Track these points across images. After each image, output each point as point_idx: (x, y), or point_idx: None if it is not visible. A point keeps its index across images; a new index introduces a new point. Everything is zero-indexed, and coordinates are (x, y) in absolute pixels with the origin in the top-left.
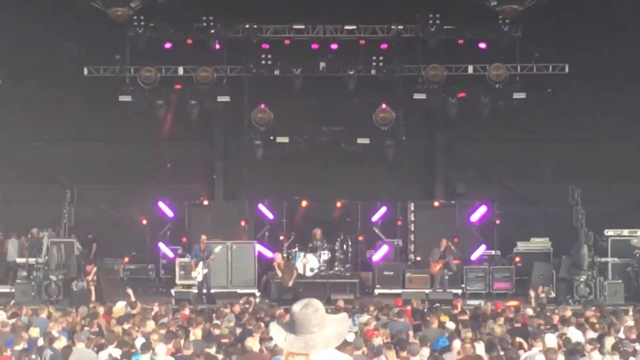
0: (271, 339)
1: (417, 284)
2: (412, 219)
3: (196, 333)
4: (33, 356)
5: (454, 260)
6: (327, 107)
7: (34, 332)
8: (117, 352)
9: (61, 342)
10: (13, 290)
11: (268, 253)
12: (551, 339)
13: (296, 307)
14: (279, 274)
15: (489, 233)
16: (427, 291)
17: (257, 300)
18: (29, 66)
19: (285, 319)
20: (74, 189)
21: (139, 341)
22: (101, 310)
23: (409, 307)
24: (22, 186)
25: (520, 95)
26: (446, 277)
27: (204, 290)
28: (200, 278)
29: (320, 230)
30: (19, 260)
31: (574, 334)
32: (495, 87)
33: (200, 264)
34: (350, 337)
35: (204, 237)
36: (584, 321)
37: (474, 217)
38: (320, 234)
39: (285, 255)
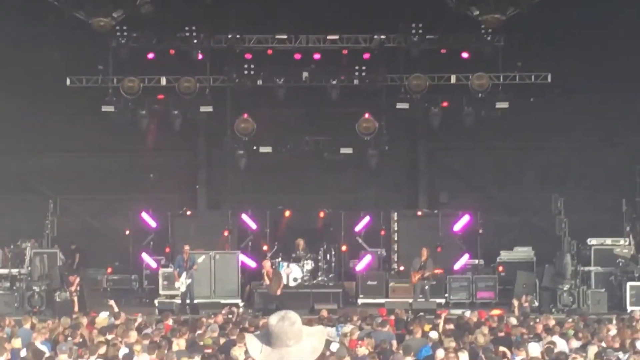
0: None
1: (400, 294)
2: (396, 228)
3: (180, 343)
4: None
5: (436, 270)
6: (310, 116)
7: (16, 343)
8: None
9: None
10: None
11: (251, 263)
12: (534, 348)
13: (273, 320)
14: (267, 281)
15: (472, 242)
16: (410, 300)
17: (241, 310)
18: (11, 76)
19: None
20: (57, 199)
21: (122, 352)
22: (84, 320)
23: (392, 317)
24: (5, 197)
25: (503, 105)
26: (427, 287)
27: (188, 301)
28: (183, 288)
29: (304, 240)
30: (1, 271)
31: (558, 343)
32: (478, 97)
33: (184, 274)
34: (334, 347)
35: (187, 247)
36: (567, 330)
37: (457, 227)
38: (303, 244)
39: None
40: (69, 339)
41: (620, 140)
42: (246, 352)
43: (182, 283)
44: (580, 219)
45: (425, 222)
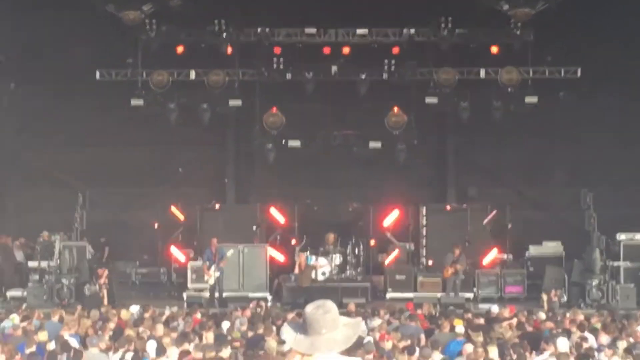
0: (283, 342)
1: (429, 288)
2: (424, 222)
3: (208, 337)
4: None
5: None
6: (339, 111)
7: (42, 335)
8: (129, 356)
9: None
10: (25, 294)
11: (280, 257)
12: (563, 343)
13: (308, 308)
14: (297, 271)
15: (501, 237)
16: (439, 295)
17: (269, 304)
18: (41, 70)
19: (299, 320)
20: (86, 192)
21: (151, 345)
22: (113, 313)
23: (420, 311)
24: (35, 190)
25: (532, 99)
26: (458, 281)
27: (216, 294)
28: (212, 282)
29: (334, 234)
30: (31, 264)
31: (587, 339)
32: (507, 91)
33: (213, 267)
34: (366, 341)
35: (214, 240)
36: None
37: (486, 221)
38: (333, 239)
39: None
40: (99, 332)
41: None
42: (281, 341)
43: (211, 276)
44: (609, 214)
45: (453, 217)
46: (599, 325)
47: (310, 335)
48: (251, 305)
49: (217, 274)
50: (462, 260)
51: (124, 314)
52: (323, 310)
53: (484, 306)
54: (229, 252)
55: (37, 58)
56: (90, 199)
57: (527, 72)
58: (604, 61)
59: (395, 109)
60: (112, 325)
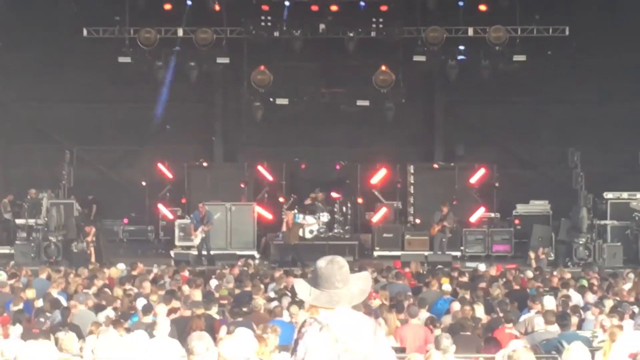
0: (271, 300)
1: (416, 246)
2: (412, 181)
3: (195, 294)
4: (42, 319)
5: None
6: (327, 69)
7: (30, 293)
8: (116, 314)
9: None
10: (12, 251)
11: (267, 215)
12: (550, 302)
13: (321, 263)
14: (285, 229)
15: (488, 195)
16: (426, 253)
17: (257, 262)
18: (28, 27)
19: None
20: (73, 149)
21: (140, 302)
22: (101, 271)
23: (407, 269)
24: (21, 146)
25: (521, 58)
26: (444, 239)
27: (204, 252)
28: (197, 241)
29: (322, 193)
30: (19, 221)
31: (573, 297)
32: (495, 50)
33: (200, 228)
34: None
35: (201, 204)
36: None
37: (474, 180)
38: (322, 196)
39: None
40: (85, 289)
41: (638, 93)
42: (268, 299)
43: (197, 237)
44: (596, 172)
45: (441, 175)
46: (585, 284)
47: (325, 289)
48: (239, 263)
49: (202, 235)
50: (450, 218)
51: (113, 271)
52: (338, 265)
53: (471, 264)
54: (216, 216)
55: (24, 15)
56: (78, 156)
57: (515, 30)
58: (592, 20)
59: (383, 67)
60: (100, 282)
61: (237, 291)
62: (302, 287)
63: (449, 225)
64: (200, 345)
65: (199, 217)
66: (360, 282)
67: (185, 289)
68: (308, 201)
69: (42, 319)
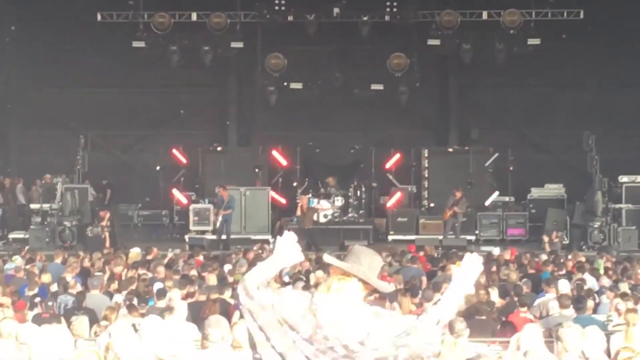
0: (286, 284)
1: (430, 230)
2: (426, 165)
3: (210, 279)
4: (50, 303)
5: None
6: (341, 53)
7: (46, 277)
8: (131, 298)
9: (76, 288)
10: (27, 235)
11: (281, 199)
12: (564, 285)
13: (357, 245)
14: (299, 213)
15: (503, 179)
16: (440, 237)
17: (271, 246)
18: (42, 12)
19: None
20: (88, 134)
21: (156, 287)
22: (116, 255)
23: (422, 254)
24: (36, 132)
25: (535, 42)
26: (457, 224)
27: (223, 237)
28: (217, 225)
29: (334, 177)
30: (33, 206)
31: (588, 281)
32: (509, 33)
33: (220, 212)
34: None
35: (222, 188)
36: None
37: (487, 163)
38: (333, 181)
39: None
40: (100, 273)
41: None
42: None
43: (218, 220)
44: (611, 156)
45: (455, 159)
46: (600, 267)
47: (351, 262)
48: (255, 247)
49: (220, 218)
50: (463, 203)
51: (132, 255)
52: (372, 251)
53: (485, 248)
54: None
55: (38, 0)
56: (92, 141)
57: (530, 14)
58: (607, 3)
59: (397, 51)
60: (117, 268)
61: None
62: (331, 258)
63: (461, 211)
64: (216, 333)
65: (222, 202)
66: (377, 267)
67: (194, 273)
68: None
69: (50, 303)
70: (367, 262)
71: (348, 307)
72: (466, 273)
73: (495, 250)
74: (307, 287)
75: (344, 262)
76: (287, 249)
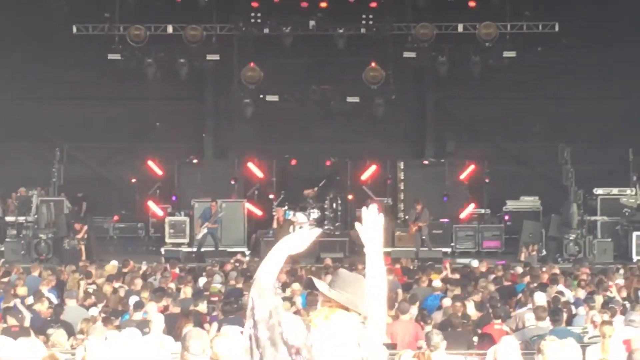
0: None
1: (406, 243)
2: (402, 177)
3: (186, 291)
4: (20, 315)
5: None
6: (317, 65)
7: (22, 290)
8: (107, 310)
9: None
10: (2, 248)
11: (257, 212)
12: (540, 298)
13: (343, 269)
14: (275, 226)
15: (479, 191)
16: (416, 250)
17: (247, 259)
18: (18, 24)
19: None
20: (64, 147)
21: (132, 299)
22: (92, 268)
23: (398, 266)
24: (11, 144)
25: (511, 54)
26: (424, 237)
27: (203, 249)
28: (199, 237)
29: (314, 189)
30: (9, 218)
31: (564, 293)
32: (485, 46)
33: (206, 224)
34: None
35: (214, 203)
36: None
37: (463, 176)
38: (313, 193)
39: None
40: (76, 287)
41: (628, 90)
42: None
43: (200, 232)
44: (586, 168)
45: (431, 172)
46: (575, 280)
47: (341, 289)
48: (231, 261)
49: (205, 231)
50: (425, 215)
51: (109, 268)
52: (355, 276)
53: (461, 261)
54: (221, 214)
55: (14, 11)
56: (68, 154)
57: (505, 26)
58: (582, 16)
59: (373, 63)
60: (98, 280)
61: (228, 288)
62: (320, 284)
63: (424, 224)
64: (197, 345)
65: (209, 214)
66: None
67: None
68: (309, 192)
69: (20, 316)
70: (353, 290)
71: (343, 347)
72: (372, 238)
73: (474, 263)
74: (283, 298)
75: (332, 290)
76: (303, 240)
